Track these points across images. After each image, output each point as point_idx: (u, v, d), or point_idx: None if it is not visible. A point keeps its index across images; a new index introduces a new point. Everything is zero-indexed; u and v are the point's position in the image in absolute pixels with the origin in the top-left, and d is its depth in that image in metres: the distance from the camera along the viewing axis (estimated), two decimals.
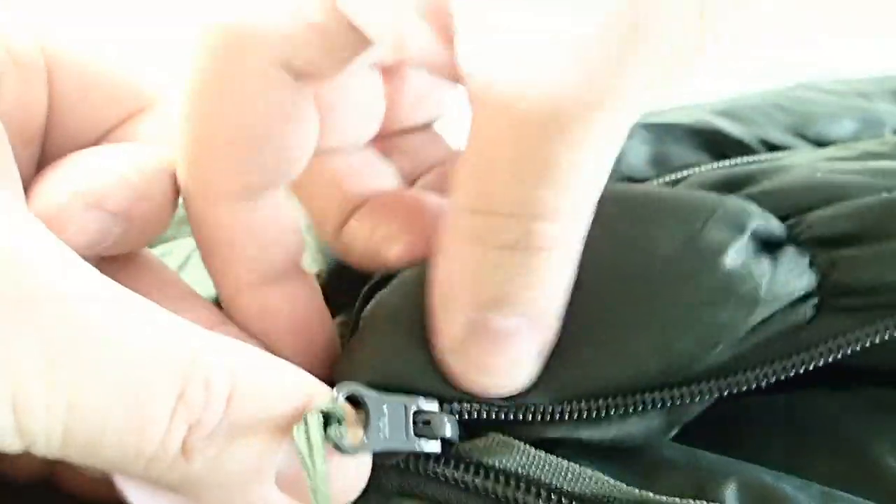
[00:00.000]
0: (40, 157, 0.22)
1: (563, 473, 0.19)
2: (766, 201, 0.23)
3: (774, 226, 0.21)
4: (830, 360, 0.19)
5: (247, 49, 0.20)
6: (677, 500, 0.18)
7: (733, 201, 0.21)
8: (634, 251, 0.20)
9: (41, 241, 0.16)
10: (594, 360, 0.20)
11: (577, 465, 0.19)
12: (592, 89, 0.17)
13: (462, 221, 0.18)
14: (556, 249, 0.18)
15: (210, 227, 0.21)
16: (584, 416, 0.19)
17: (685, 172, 0.28)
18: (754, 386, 0.20)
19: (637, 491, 0.18)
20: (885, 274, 0.20)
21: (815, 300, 0.20)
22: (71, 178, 0.20)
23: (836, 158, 0.28)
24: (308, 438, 0.17)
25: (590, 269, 0.20)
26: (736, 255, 0.20)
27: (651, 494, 0.18)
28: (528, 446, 0.19)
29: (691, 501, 0.18)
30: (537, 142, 0.17)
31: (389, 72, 0.25)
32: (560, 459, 0.19)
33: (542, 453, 0.19)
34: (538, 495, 0.18)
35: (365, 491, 0.19)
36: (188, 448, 0.16)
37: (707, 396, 0.20)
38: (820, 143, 0.32)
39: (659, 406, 0.20)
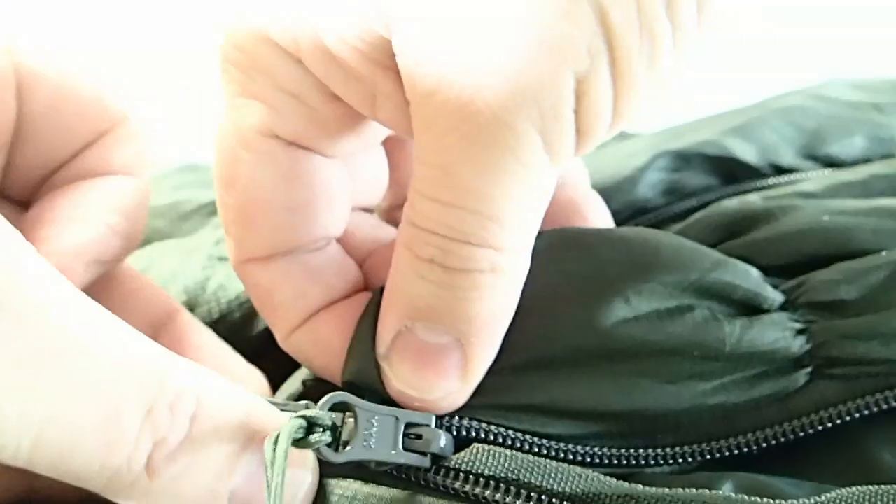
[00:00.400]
0: (9, 167, 0.22)
1: (551, 474, 0.19)
2: (772, 248, 0.23)
3: (767, 296, 0.22)
4: (821, 428, 0.20)
5: (238, 120, 0.21)
6: (666, 489, 0.18)
7: (727, 275, 0.21)
8: (619, 300, 0.21)
9: (24, 252, 0.16)
10: (560, 394, 0.20)
11: (567, 465, 0.19)
12: (508, 104, 0.17)
13: (402, 231, 0.20)
14: (479, 273, 0.19)
15: (248, 284, 0.23)
16: (583, 461, 0.20)
17: (694, 201, 0.29)
18: (746, 450, 0.20)
19: (626, 484, 0.19)
20: (879, 350, 0.20)
21: (808, 369, 0.21)
22: (64, 233, 0.20)
23: (843, 183, 0.28)
24: (274, 450, 0.17)
25: (571, 307, 0.20)
26: (706, 313, 0.21)
27: (640, 487, 0.19)
28: (514, 452, 0.19)
29: (680, 490, 0.18)
30: (452, 166, 0.18)
31: (398, 145, 0.26)
32: (547, 460, 0.19)
33: (530, 456, 0.19)
34: (528, 498, 0.19)
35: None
36: (152, 465, 0.16)
37: (700, 458, 0.20)
38: (830, 165, 0.31)
39: (653, 463, 0.20)
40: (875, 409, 0.20)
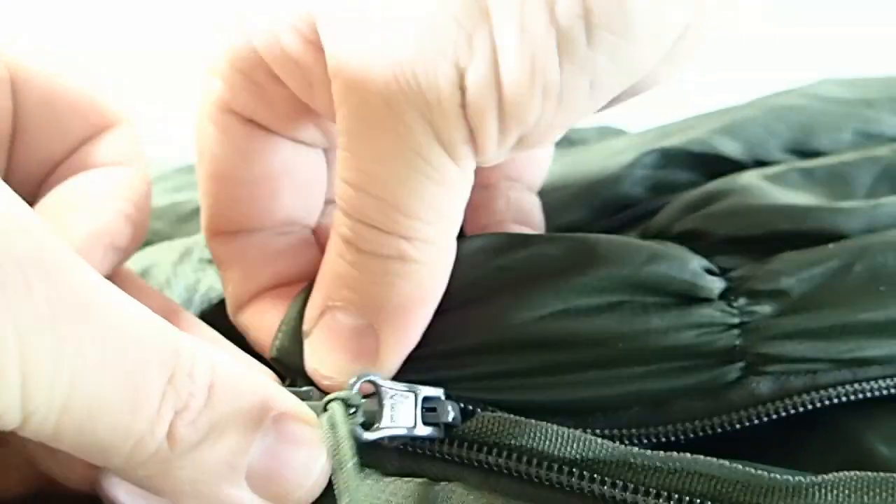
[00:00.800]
0: (9, 169, 0.23)
1: (551, 438, 0.19)
2: (729, 220, 0.24)
3: (705, 286, 0.22)
4: (748, 424, 0.21)
5: (206, 94, 0.22)
6: (661, 453, 0.19)
7: (661, 267, 0.22)
8: (551, 295, 0.21)
9: (44, 226, 0.17)
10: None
11: (566, 429, 0.20)
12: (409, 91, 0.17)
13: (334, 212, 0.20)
14: (388, 260, 0.19)
15: (214, 257, 0.24)
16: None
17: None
18: (673, 439, 0.21)
19: (622, 448, 0.19)
20: (807, 349, 0.21)
21: (740, 364, 0.21)
22: (79, 218, 0.21)
23: (809, 169, 0.28)
24: (334, 428, 0.18)
25: (504, 300, 0.21)
26: (636, 306, 0.21)
27: (635, 450, 0.19)
28: (520, 418, 0.20)
29: (674, 454, 0.19)
30: (357, 150, 0.19)
31: None
32: (549, 424, 0.20)
33: (532, 421, 0.20)
34: (528, 463, 0.19)
35: (366, 471, 0.20)
36: (173, 433, 0.17)
37: (627, 442, 0.21)
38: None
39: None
40: (801, 409, 0.21)
